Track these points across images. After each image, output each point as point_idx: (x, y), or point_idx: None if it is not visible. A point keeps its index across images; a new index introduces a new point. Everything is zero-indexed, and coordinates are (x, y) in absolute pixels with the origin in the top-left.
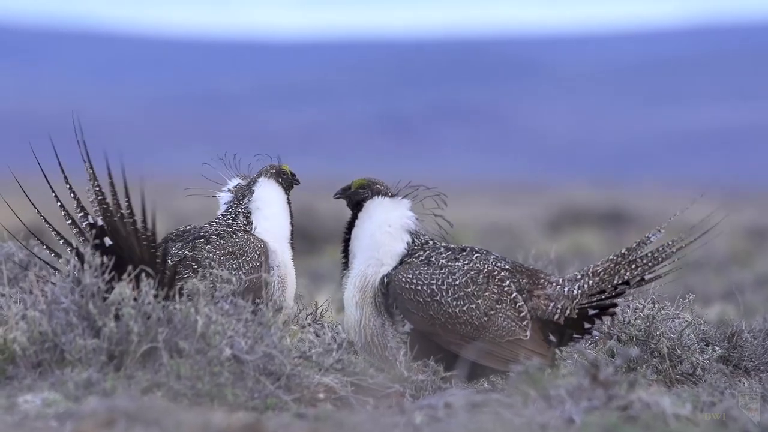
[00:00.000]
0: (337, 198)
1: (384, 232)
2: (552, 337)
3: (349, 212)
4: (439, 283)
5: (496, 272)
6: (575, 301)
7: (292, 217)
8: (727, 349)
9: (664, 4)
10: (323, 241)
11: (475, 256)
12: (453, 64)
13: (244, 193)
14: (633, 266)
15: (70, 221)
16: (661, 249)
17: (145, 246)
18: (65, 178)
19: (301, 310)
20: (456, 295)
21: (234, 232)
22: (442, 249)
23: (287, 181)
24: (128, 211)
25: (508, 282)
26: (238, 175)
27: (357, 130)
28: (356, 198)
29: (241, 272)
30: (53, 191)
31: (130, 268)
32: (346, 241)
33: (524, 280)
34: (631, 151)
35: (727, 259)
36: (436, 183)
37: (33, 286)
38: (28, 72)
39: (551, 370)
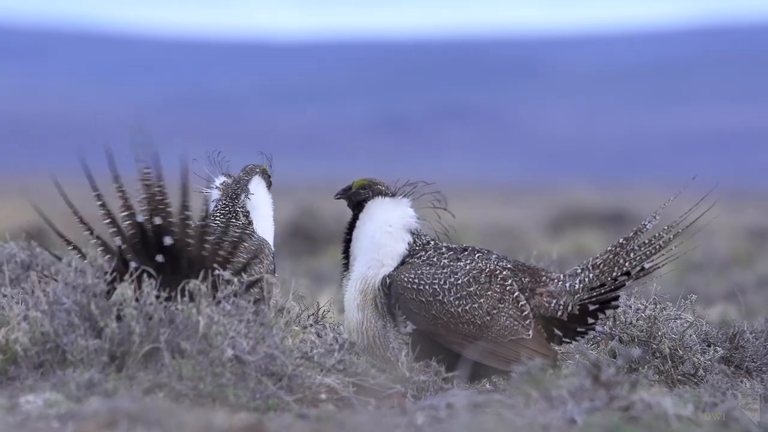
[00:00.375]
0: (338, 198)
1: (385, 232)
2: (557, 331)
3: (350, 213)
4: (442, 282)
5: (498, 271)
6: (576, 296)
7: None
8: (728, 350)
9: (664, 4)
10: (324, 241)
11: (477, 255)
12: (453, 64)
13: (237, 191)
14: (632, 255)
15: (109, 221)
16: (658, 235)
17: (210, 242)
18: (115, 177)
19: (303, 311)
20: (458, 295)
21: (252, 233)
22: (444, 249)
23: (269, 181)
24: (185, 210)
25: (510, 281)
26: (223, 174)
27: (357, 130)
28: (357, 198)
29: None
30: (96, 190)
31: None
32: (347, 242)
33: (526, 279)
34: (632, 151)
35: (728, 259)
36: (436, 183)
37: (34, 286)
38: (28, 72)
39: (553, 371)
